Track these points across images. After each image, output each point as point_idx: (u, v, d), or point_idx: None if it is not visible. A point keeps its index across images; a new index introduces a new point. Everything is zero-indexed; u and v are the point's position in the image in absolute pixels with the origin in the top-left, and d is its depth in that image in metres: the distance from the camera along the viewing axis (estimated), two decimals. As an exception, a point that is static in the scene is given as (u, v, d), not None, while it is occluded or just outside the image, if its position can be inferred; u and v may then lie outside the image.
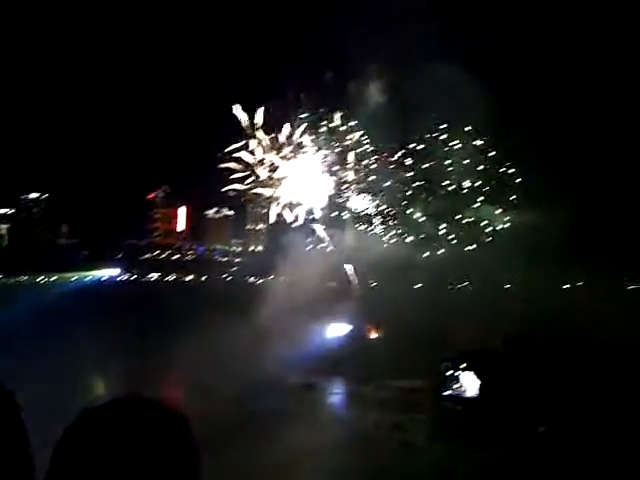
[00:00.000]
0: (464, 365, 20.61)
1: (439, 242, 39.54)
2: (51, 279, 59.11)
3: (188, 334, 33.60)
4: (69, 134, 59.65)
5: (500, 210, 42.81)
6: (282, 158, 42.63)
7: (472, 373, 20.63)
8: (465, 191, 41.42)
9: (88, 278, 57.79)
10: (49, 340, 31.41)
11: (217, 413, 24.02)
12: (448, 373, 20.60)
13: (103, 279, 59.05)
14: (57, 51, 58.42)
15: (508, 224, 42.18)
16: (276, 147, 42.26)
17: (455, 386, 20.54)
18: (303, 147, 42.22)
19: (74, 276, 58.18)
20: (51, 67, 59.39)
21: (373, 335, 44.58)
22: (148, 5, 55.00)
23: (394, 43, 38.48)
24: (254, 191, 42.98)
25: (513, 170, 39.05)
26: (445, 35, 37.53)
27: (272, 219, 43.70)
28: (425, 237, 39.30)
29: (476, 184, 39.04)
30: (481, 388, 20.12)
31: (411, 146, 41.30)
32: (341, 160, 42.99)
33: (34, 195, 72.39)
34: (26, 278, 62.10)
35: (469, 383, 20.48)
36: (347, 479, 18.00)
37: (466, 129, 37.51)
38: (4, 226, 72.73)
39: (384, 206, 42.90)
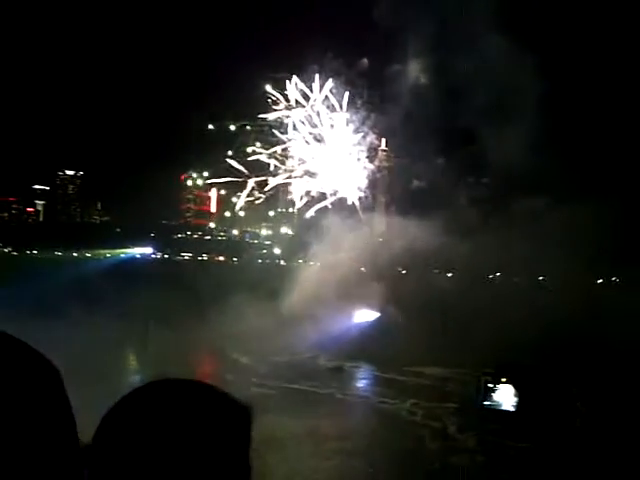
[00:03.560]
0: (504, 379, 20.97)
1: (477, 231, 38.88)
2: (85, 255, 60.17)
3: (220, 314, 33.99)
4: (105, 114, 60.38)
5: (542, 201, 41.93)
6: (317, 139, 42.36)
7: (511, 386, 20.92)
8: (509, 180, 40.54)
9: (122, 255, 58.69)
10: (85, 312, 32.00)
11: (248, 390, 24.34)
12: (489, 385, 20.99)
13: (136, 257, 59.87)
14: (94, 35, 59.01)
15: (548, 215, 41.31)
16: (311, 124, 41.86)
17: (494, 398, 20.87)
18: (339, 126, 41.72)
19: (107, 253, 59.16)
20: (87, 48, 60.04)
21: (402, 322, 44.49)
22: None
23: (437, 21, 37.53)
24: (285, 175, 42.87)
25: (560, 160, 38.04)
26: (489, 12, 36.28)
27: (303, 202, 43.59)
28: (464, 226, 38.66)
29: (521, 172, 38.10)
30: (519, 401, 20.49)
31: (453, 130, 40.41)
32: (378, 143, 42.49)
33: (70, 172, 73.63)
34: (61, 254, 63.29)
35: (508, 396, 20.78)
36: (382, 464, 18.00)
37: (512, 115, 36.53)
38: (40, 202, 74.27)
39: (424, 190, 42.30)
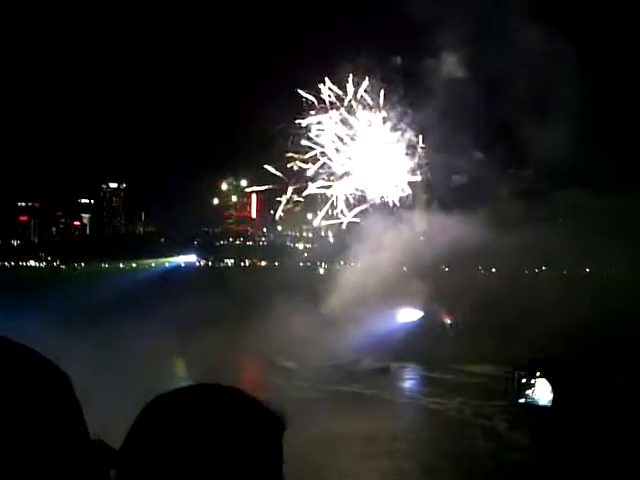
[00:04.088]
0: (538, 374, 20.43)
1: (521, 225, 38.10)
2: (131, 265, 61.53)
3: (263, 318, 34.27)
4: (144, 126, 61.66)
5: (586, 192, 40.86)
6: (353, 140, 42.17)
7: (546, 381, 20.37)
8: (551, 172, 39.54)
9: (167, 264, 59.84)
10: (132, 320, 32.71)
11: (294, 394, 24.40)
12: (523, 381, 20.47)
13: (181, 265, 60.98)
14: (131, 52, 60.38)
15: (595, 207, 40.22)
16: (347, 125, 41.68)
17: (529, 394, 20.34)
18: (374, 122, 41.39)
19: (152, 263, 60.39)
20: (125, 64, 61.49)
21: (446, 320, 43.96)
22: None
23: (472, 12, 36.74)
24: (324, 178, 42.79)
25: (604, 149, 36.93)
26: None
27: (343, 204, 43.50)
28: (507, 220, 37.87)
29: (564, 164, 37.14)
30: (555, 396, 19.90)
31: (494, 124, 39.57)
32: (417, 140, 41.95)
33: (113, 185, 75.62)
34: (107, 265, 64.91)
35: (543, 391, 20.23)
36: (434, 463, 17.85)
37: (553, 106, 35.60)
38: (86, 216, 76.42)
39: (464, 186, 41.66)
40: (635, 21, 39.72)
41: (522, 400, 20.07)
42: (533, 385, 20.20)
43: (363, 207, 42.56)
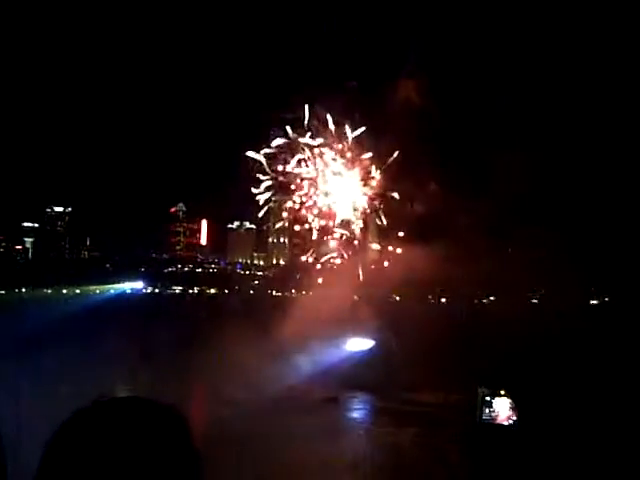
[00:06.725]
0: (502, 392, 20.38)
1: (473, 257, 38.63)
2: (75, 292, 59.53)
3: (211, 347, 33.50)
4: (91, 148, 60.27)
5: (538, 226, 41.77)
6: (308, 169, 42.15)
7: (509, 400, 20.29)
8: (507, 205, 40.30)
9: (111, 291, 58.20)
10: (72, 351, 31.37)
11: (242, 426, 23.65)
12: (486, 399, 20.34)
13: (126, 292, 59.38)
14: (80, 70, 59.25)
15: (545, 239, 41.18)
16: (302, 153, 41.63)
17: (491, 412, 20.21)
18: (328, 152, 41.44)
19: (97, 289, 58.61)
20: (74, 84, 60.23)
21: (396, 349, 43.98)
22: (170, 19, 55.57)
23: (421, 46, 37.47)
24: (277, 205, 42.50)
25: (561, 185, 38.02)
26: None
27: (296, 231, 43.31)
28: (459, 251, 38.32)
29: (520, 197, 37.89)
30: (518, 415, 19.83)
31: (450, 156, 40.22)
32: (371, 169, 42.15)
33: (58, 209, 73.28)
34: (49, 292, 62.61)
35: (505, 409, 20.11)
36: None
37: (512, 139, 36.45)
38: (29, 240, 73.66)
39: (418, 217, 42.07)
40: (599, 52, 40.81)
41: (485, 418, 19.90)
42: (496, 403, 20.03)
43: (315, 233, 42.42)
